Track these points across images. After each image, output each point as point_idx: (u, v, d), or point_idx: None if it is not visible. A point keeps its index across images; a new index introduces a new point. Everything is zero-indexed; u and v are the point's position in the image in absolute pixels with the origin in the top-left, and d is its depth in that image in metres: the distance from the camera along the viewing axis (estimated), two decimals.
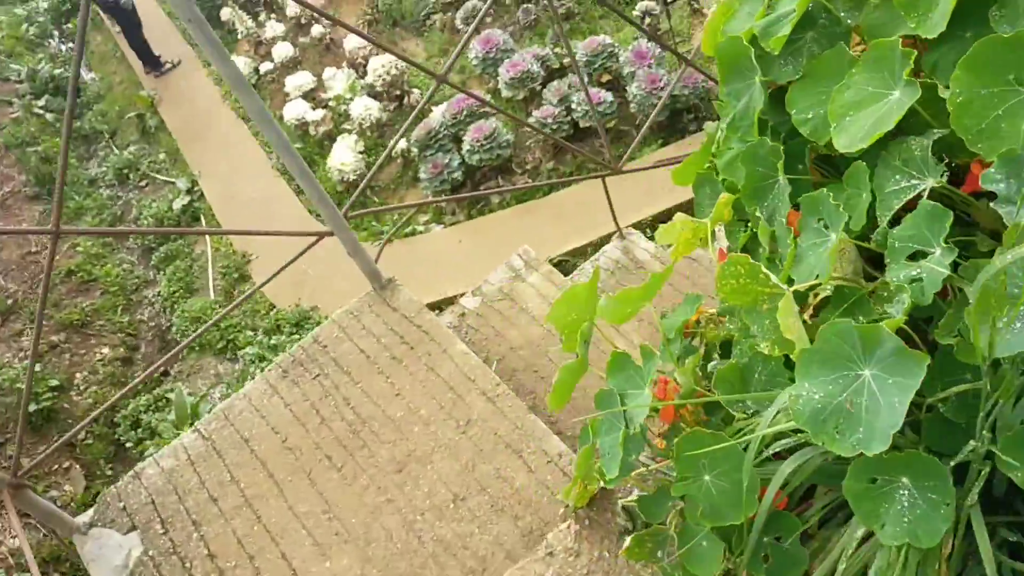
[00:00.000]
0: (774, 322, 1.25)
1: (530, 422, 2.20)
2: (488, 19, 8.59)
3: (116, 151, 9.72)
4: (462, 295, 6.74)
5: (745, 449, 1.23)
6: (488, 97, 7.56)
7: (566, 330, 1.53)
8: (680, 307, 1.53)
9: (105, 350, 7.72)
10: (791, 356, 1.25)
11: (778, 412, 1.18)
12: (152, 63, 9.98)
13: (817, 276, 1.24)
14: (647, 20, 7.72)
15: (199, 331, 2.85)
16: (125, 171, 9.33)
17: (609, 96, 7.15)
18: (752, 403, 1.30)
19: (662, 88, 6.99)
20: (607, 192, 3.30)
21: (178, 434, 6.25)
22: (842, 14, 1.46)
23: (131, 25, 9.62)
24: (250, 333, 7.40)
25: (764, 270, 1.20)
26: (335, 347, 2.53)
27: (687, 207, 6.43)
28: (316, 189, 2.35)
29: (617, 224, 3.37)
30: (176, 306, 7.91)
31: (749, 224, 1.51)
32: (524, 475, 2.13)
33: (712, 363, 1.43)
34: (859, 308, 1.26)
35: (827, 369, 1.11)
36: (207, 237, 8.30)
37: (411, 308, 2.54)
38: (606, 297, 1.44)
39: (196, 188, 8.74)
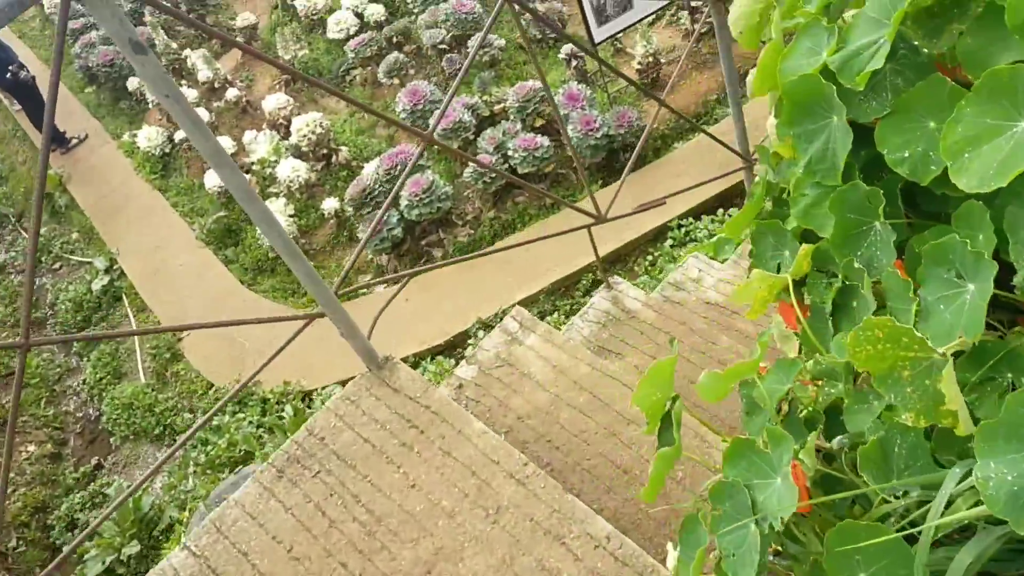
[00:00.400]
0: (918, 390, 1.11)
1: (568, 503, 2.01)
2: (411, 71, 8.48)
3: (24, 234, 9.18)
4: (418, 355, 6.56)
5: (908, 540, 1.07)
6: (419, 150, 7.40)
7: (651, 411, 1.36)
8: (773, 373, 1.37)
9: (31, 447, 7.19)
10: (943, 427, 1.10)
11: (953, 497, 1.03)
12: (57, 139, 9.50)
13: (962, 334, 1.10)
14: (573, 62, 7.72)
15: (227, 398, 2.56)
16: (36, 254, 8.79)
17: (545, 140, 7.09)
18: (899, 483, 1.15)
19: (597, 129, 6.97)
20: (593, 243, 3.16)
21: (120, 532, 5.82)
22: (917, 42, 1.36)
23: (32, 101, 9.16)
24: (188, 416, 6.99)
25: (913, 332, 1.06)
26: (334, 439, 2.29)
27: (634, 246, 6.22)
28: (305, 268, 2.14)
29: (604, 274, 3.23)
30: (104, 393, 7.43)
31: (839, 276, 1.38)
32: (571, 564, 1.93)
33: (836, 439, 1.28)
34: (1008, 366, 1.13)
35: (1017, 443, 0.97)
36: (131, 317, 7.86)
37: (415, 387, 2.33)
38: (705, 374, 1.28)
39: (115, 266, 8.30)
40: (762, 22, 1.84)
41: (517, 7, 2.46)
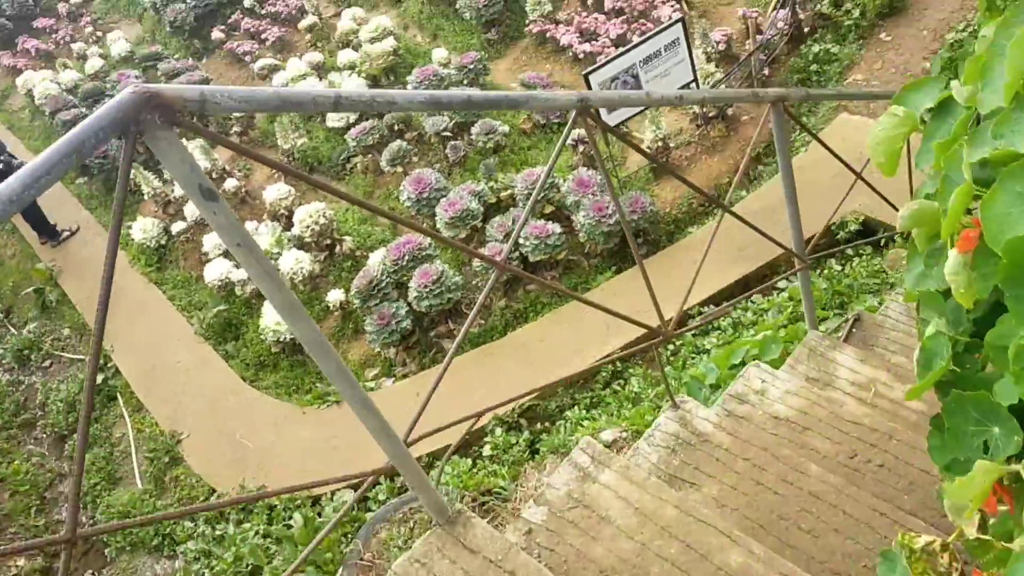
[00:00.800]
0: None
1: None
2: (415, 159, 8.34)
3: (13, 331, 8.86)
4: (432, 455, 6.23)
5: None
6: (427, 239, 7.22)
7: None
8: None
9: (20, 561, 6.75)
10: None
11: None
12: (48, 233, 9.26)
13: None
14: (581, 148, 7.62)
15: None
16: (25, 352, 8.47)
17: (556, 228, 6.92)
18: None
19: (610, 215, 6.81)
20: (661, 363, 2.92)
21: None
22: None
23: None
24: (189, 524, 6.59)
25: None
26: None
27: (653, 336, 5.95)
28: (377, 421, 1.89)
29: (670, 394, 2.98)
30: (99, 501, 7.04)
31: None
32: None
33: None
34: None
35: None
36: (127, 418, 7.51)
37: (494, 548, 2.06)
38: None
39: (110, 364, 7.97)
40: (903, 148, 1.65)
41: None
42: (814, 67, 7.37)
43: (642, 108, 6.80)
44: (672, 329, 2.86)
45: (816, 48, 7.40)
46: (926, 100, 1.57)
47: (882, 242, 6.20)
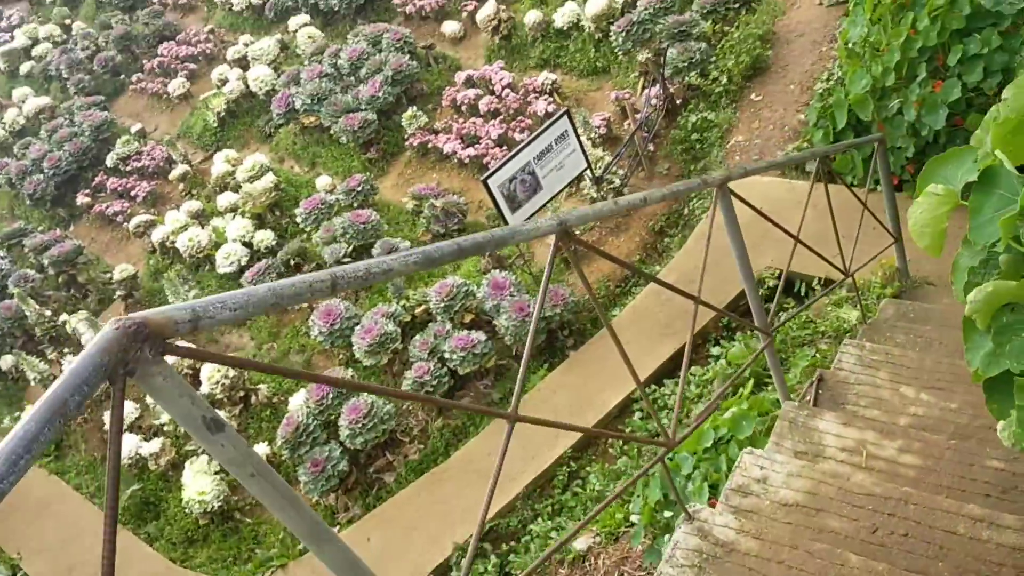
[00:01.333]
0: None
1: None
2: None
3: None
4: None
5: None
6: (351, 373, 6.90)
7: None
8: None
9: None
10: None
11: None
12: None
13: None
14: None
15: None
16: None
17: (481, 336, 6.73)
18: None
19: (531, 313, 6.68)
20: (667, 469, 2.74)
21: None
22: None
23: None
24: None
25: None
26: None
27: (600, 427, 5.73)
28: None
29: (683, 506, 2.79)
30: None
31: None
32: None
33: None
34: None
35: None
36: None
37: None
38: None
39: (19, 574, 7.17)
40: (947, 226, 1.56)
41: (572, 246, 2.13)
42: (695, 136, 7.57)
43: (544, 202, 6.79)
44: (674, 438, 2.69)
45: (693, 118, 7.61)
46: (960, 172, 1.49)
47: (802, 292, 6.30)
